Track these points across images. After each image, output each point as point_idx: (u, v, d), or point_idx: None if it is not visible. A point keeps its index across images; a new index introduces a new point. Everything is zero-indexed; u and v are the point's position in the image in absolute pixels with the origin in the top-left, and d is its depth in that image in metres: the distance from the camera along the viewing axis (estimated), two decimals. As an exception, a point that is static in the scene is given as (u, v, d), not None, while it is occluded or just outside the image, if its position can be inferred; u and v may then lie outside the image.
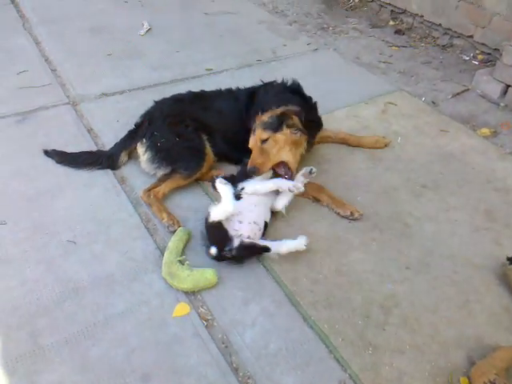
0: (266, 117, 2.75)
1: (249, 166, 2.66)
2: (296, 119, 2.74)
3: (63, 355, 2.03)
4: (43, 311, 2.20)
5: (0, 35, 4.71)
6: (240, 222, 2.46)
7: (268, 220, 2.60)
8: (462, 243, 2.67)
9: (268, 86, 3.09)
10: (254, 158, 2.69)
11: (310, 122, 2.88)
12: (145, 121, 3.01)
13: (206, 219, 2.49)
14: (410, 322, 2.23)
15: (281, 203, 2.66)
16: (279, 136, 2.73)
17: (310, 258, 2.52)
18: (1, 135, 3.32)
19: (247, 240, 2.41)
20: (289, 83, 3.06)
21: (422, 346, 2.14)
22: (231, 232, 2.42)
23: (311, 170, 2.70)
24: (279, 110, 2.74)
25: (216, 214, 2.42)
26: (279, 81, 3.11)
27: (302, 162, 2.94)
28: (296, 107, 2.78)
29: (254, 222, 2.48)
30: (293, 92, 3.00)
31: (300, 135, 2.80)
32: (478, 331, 2.21)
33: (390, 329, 2.20)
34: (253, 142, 2.76)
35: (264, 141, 2.72)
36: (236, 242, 2.39)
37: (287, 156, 2.75)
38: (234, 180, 2.66)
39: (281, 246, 2.43)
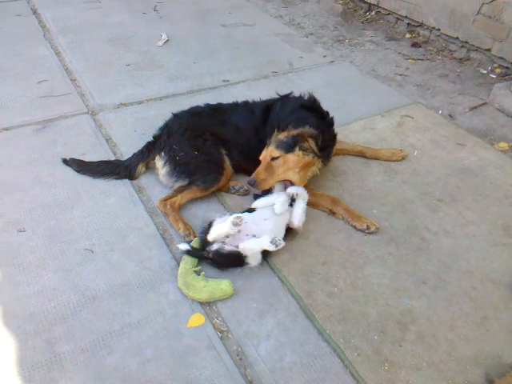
0: (282, 135, 2.75)
1: (250, 178, 2.70)
2: (312, 143, 2.74)
3: (79, 364, 2.05)
4: (60, 319, 2.22)
5: (22, 45, 4.82)
6: (239, 232, 2.47)
7: (279, 236, 2.54)
8: (479, 258, 2.64)
9: (284, 101, 3.08)
10: (259, 172, 2.72)
11: (327, 140, 2.89)
12: (163, 133, 3.03)
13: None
14: (427, 338, 2.20)
15: (297, 220, 2.63)
16: (290, 156, 2.73)
17: (326, 271, 2.51)
18: (21, 143, 3.38)
19: (227, 247, 2.43)
20: (306, 97, 3.05)
21: (439, 363, 2.11)
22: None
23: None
24: (296, 132, 2.73)
25: (214, 231, 2.46)
26: (295, 94, 3.11)
27: (319, 175, 2.97)
28: (313, 130, 2.77)
29: (253, 235, 2.47)
30: (310, 109, 2.98)
31: (313, 157, 2.80)
32: (497, 349, 2.18)
33: (407, 345, 2.17)
34: (263, 155, 2.77)
35: (274, 158, 2.73)
36: (215, 246, 2.43)
37: (294, 176, 2.76)
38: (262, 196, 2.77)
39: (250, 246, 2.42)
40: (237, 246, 2.41)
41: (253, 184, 2.70)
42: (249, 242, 2.41)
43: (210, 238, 2.46)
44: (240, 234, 2.47)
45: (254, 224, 2.53)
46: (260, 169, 2.73)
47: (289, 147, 2.71)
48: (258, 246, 2.41)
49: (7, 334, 2.15)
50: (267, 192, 2.75)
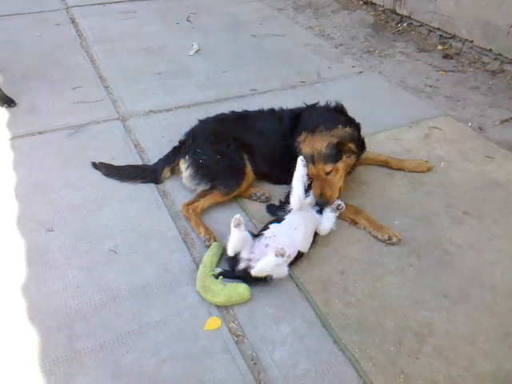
0: (321, 146, 2.71)
1: (318, 199, 2.72)
2: (352, 146, 2.79)
3: (97, 360, 2.10)
4: (82, 316, 2.29)
5: (60, 53, 5.02)
6: (266, 246, 2.44)
7: (305, 249, 2.56)
8: (504, 274, 2.57)
9: (312, 109, 3.11)
10: (323, 190, 2.73)
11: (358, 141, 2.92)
12: (188, 138, 3.11)
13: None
14: (445, 352, 2.16)
15: (326, 227, 2.68)
16: (339, 165, 2.78)
17: (344, 280, 2.50)
18: (54, 147, 3.51)
19: (253, 265, 2.38)
20: (332, 105, 3.08)
21: (456, 378, 2.06)
22: (244, 255, 2.43)
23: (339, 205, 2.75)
24: (335, 140, 2.73)
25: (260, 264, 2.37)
26: (322, 104, 3.13)
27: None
28: (349, 130, 2.81)
29: (281, 249, 2.35)
30: (337, 112, 3.02)
31: (353, 157, 2.86)
32: (518, 367, 2.12)
33: (424, 358, 2.14)
34: (312, 173, 2.75)
35: (328, 173, 2.75)
36: (242, 265, 2.42)
37: (342, 182, 2.83)
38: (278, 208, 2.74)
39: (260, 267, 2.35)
40: (249, 267, 2.39)
41: (325, 204, 2.72)
42: (257, 265, 2.35)
43: (255, 271, 2.37)
44: (269, 248, 2.43)
45: (284, 236, 2.50)
46: (320, 186, 2.75)
47: (336, 157, 2.74)
48: (267, 265, 2.33)
49: (31, 328, 2.23)
50: (284, 203, 2.71)
